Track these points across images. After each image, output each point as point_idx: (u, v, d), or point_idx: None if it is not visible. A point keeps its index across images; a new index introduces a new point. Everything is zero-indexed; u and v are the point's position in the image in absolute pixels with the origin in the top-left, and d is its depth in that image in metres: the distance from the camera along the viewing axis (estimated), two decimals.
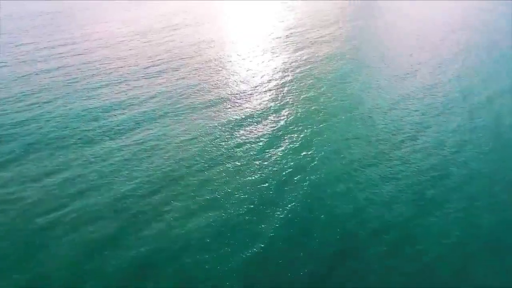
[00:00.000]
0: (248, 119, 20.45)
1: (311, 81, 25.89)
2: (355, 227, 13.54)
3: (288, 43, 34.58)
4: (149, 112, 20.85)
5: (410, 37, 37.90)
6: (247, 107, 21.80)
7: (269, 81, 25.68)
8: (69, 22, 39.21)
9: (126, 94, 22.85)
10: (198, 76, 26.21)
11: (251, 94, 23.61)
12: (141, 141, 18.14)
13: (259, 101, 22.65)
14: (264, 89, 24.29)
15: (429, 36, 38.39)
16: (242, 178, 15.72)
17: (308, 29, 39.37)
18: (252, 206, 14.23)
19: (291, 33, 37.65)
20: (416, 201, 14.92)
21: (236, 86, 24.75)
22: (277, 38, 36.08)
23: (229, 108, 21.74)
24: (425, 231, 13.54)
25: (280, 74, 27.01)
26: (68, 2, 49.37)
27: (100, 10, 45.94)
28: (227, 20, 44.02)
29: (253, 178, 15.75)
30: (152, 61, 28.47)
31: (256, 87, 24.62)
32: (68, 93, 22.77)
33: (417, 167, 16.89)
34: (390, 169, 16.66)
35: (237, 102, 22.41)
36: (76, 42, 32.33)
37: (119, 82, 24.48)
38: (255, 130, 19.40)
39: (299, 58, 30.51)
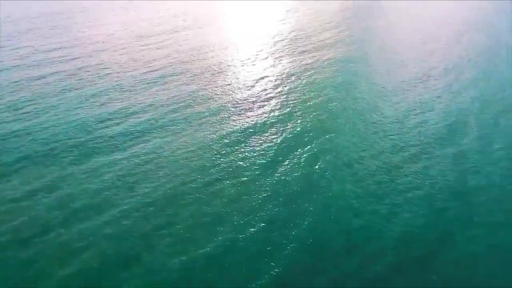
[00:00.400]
0: (250, 130, 19.36)
1: (315, 87, 24.75)
2: (369, 248, 12.48)
3: (290, 46, 33.43)
4: (145, 123, 19.79)
5: (416, 39, 36.66)
6: (249, 117, 20.69)
7: (271, 88, 24.56)
8: (67, 24, 38.27)
9: (121, 103, 21.80)
10: (198, 82, 25.13)
11: (253, 102, 22.50)
12: (137, 154, 17.09)
13: (261, 110, 21.53)
14: (266, 97, 23.16)
15: (436, 38, 37.16)
16: (245, 196, 14.63)
17: (310, 32, 38.22)
18: (256, 228, 13.14)
19: (293, 36, 36.50)
20: (435, 219, 13.85)
21: (237, 93, 23.64)
22: (279, 41, 34.93)
23: (230, 117, 20.63)
24: (445, 251, 12.54)
25: (282, 80, 25.89)
26: (68, 3, 48.49)
27: (100, 11, 45.05)
28: (228, 21, 42.97)
29: (256, 196, 14.65)
30: (150, 66, 27.42)
31: (257, 94, 23.52)
32: (60, 101, 21.70)
33: (433, 182, 15.76)
34: (402, 185, 15.53)
35: (238, 111, 21.30)
36: (73, 46, 31.33)
37: (115, 90, 23.41)
38: (258, 142, 18.29)
39: (301, 63, 29.37)
